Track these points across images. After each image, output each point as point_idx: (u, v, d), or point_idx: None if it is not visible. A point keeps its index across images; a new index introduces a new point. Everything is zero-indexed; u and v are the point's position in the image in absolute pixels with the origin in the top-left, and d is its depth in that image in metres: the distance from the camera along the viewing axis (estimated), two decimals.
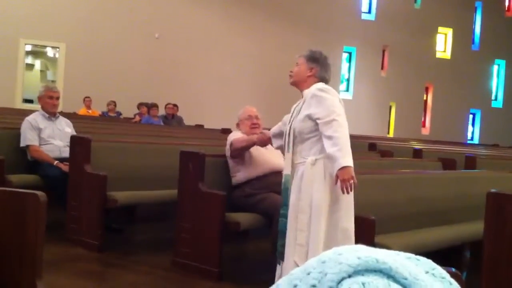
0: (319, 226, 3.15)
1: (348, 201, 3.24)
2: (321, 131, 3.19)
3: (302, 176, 3.25)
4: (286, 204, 3.37)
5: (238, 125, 4.72)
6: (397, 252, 0.70)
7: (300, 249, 3.19)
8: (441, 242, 4.22)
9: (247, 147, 4.40)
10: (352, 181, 3.09)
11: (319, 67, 3.42)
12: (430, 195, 4.64)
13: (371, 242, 3.41)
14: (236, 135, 4.58)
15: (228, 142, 4.55)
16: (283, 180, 3.43)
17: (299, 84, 3.45)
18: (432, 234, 4.21)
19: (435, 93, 20.97)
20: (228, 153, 4.54)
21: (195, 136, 7.99)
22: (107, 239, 4.88)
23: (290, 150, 3.37)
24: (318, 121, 3.21)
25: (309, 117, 3.25)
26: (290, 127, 3.39)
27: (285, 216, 3.37)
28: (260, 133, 4.22)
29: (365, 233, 3.52)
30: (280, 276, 3.35)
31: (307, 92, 3.34)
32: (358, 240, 3.27)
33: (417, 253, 0.70)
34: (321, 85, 3.34)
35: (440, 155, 7.25)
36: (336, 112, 3.19)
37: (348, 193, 3.12)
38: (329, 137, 3.12)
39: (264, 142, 4.11)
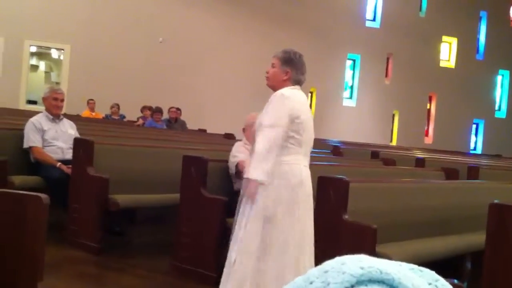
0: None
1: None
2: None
3: None
4: None
5: (244, 130, 4.75)
6: (399, 262, 0.69)
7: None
8: (443, 252, 4.20)
9: None
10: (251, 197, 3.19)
11: (294, 70, 3.39)
12: (432, 205, 4.62)
13: (372, 251, 3.40)
14: (239, 150, 4.58)
15: (232, 155, 4.57)
16: None
17: (275, 88, 3.42)
18: (434, 244, 4.20)
19: (439, 102, 20.95)
20: (232, 171, 4.57)
21: (198, 140, 7.98)
22: (107, 242, 4.87)
23: None
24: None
25: (259, 124, 3.30)
26: None
27: None
28: None
29: (367, 242, 3.52)
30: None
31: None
32: (359, 249, 3.26)
33: (417, 263, 0.70)
34: (285, 90, 3.32)
35: (442, 164, 7.23)
36: (270, 122, 3.20)
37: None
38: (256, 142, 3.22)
39: None
